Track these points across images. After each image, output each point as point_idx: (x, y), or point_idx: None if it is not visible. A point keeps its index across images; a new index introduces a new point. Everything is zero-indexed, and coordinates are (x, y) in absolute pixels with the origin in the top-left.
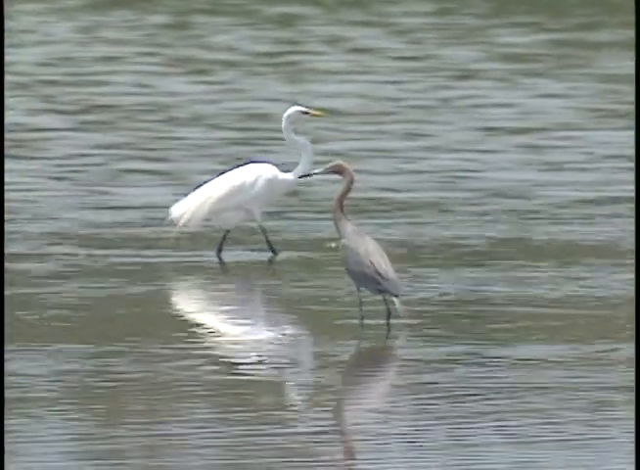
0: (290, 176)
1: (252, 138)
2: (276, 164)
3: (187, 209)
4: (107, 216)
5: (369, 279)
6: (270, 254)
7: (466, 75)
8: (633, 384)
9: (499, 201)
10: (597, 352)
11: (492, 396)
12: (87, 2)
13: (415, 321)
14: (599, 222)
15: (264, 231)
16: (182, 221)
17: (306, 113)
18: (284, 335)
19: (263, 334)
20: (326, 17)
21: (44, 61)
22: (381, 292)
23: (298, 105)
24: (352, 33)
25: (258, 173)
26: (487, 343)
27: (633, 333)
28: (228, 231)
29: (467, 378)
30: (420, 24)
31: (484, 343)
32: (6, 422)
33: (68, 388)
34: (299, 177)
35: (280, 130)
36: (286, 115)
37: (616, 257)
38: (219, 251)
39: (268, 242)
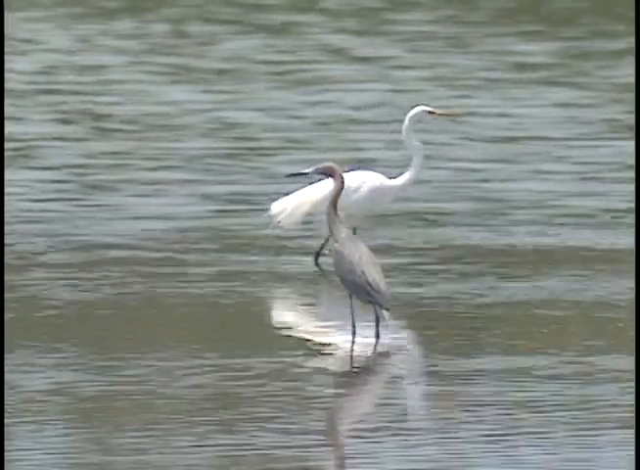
0: (397, 182)
1: (254, 148)
2: (382, 172)
3: (286, 207)
4: (115, 226)
5: (359, 288)
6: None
7: (469, 84)
8: (628, 399)
9: (501, 210)
10: (593, 364)
11: (485, 410)
12: (86, 11)
13: (406, 324)
14: (602, 232)
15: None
16: (279, 218)
17: (432, 112)
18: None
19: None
20: (328, 25)
21: (41, 69)
22: (371, 303)
23: (424, 105)
24: (355, 42)
25: (363, 180)
26: (484, 353)
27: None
28: (327, 240)
29: (459, 391)
30: (423, 33)
31: (482, 353)
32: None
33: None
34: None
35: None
36: (411, 114)
37: (618, 264)
38: (317, 256)
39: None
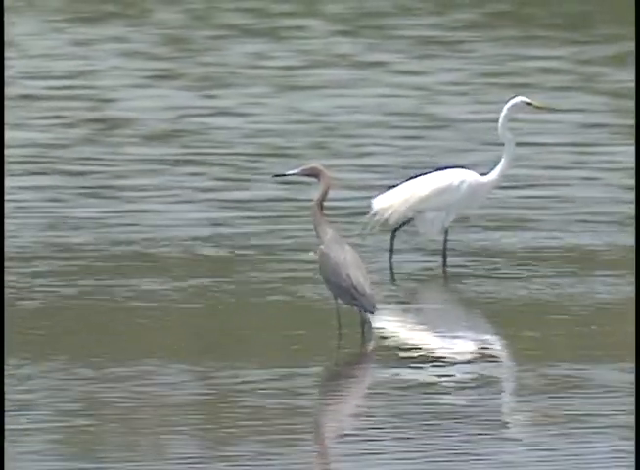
0: (491, 178)
1: (256, 153)
2: (473, 169)
3: (390, 203)
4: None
5: (344, 292)
6: (441, 259)
7: (475, 89)
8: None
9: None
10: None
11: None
12: (78, 15)
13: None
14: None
15: (446, 236)
16: (384, 214)
17: (530, 104)
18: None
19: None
20: (329, 29)
21: (32, 74)
22: (355, 306)
23: (522, 96)
24: (357, 47)
25: (463, 178)
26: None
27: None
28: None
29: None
30: (425, 37)
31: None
32: None
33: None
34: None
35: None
36: (510, 104)
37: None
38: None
39: (445, 249)
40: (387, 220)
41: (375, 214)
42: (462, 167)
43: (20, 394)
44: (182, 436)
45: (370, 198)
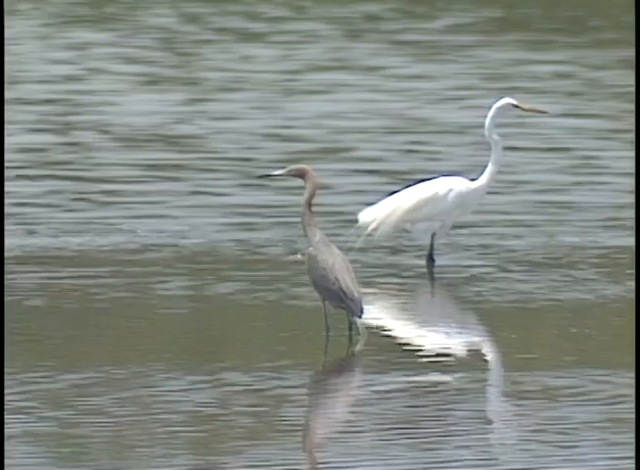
0: (480, 183)
1: (252, 158)
2: (464, 176)
3: (376, 216)
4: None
5: (332, 295)
6: (429, 261)
7: (476, 94)
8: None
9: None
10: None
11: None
12: (64, 20)
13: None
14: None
15: (433, 239)
16: (370, 229)
17: (517, 106)
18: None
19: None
20: (325, 34)
21: (22, 78)
22: (343, 309)
23: (510, 97)
24: (355, 51)
25: (451, 186)
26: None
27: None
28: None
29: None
30: (426, 42)
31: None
32: None
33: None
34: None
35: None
36: (497, 105)
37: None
38: (430, 257)
39: (431, 251)
40: (374, 234)
41: (362, 229)
42: (454, 174)
43: (11, 398)
44: (175, 442)
45: (369, 204)
